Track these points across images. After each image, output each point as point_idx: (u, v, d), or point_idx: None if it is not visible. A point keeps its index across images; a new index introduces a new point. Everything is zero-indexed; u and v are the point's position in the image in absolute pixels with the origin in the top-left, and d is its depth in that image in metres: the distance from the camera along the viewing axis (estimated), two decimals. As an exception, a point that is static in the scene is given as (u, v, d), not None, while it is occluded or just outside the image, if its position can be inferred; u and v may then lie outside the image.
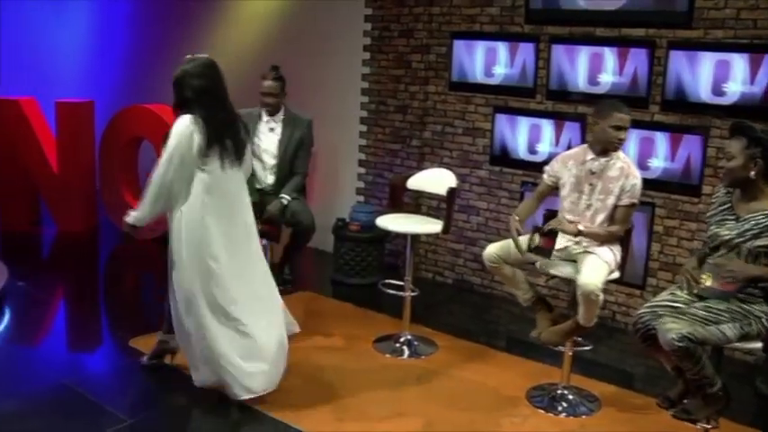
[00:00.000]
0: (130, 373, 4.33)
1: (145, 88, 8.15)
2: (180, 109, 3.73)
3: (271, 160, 4.67)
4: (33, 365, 4.48)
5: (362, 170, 6.54)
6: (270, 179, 4.67)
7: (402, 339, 4.77)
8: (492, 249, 4.07)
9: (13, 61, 8.82)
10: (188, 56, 3.86)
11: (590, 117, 3.98)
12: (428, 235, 5.82)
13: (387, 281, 5.02)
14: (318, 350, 4.68)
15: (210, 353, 3.78)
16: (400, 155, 6.26)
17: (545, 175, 4.17)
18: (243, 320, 3.81)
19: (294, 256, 4.91)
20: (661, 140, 4.91)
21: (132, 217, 3.79)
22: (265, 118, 4.70)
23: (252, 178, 4.67)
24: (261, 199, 4.68)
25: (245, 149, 3.89)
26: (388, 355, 4.66)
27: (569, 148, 4.87)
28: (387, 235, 5.93)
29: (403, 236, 5.43)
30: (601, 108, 3.94)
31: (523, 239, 3.97)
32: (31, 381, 4.22)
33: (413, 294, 4.77)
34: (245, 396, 3.84)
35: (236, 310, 3.79)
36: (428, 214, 5.66)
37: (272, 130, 4.68)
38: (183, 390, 4.09)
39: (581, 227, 3.89)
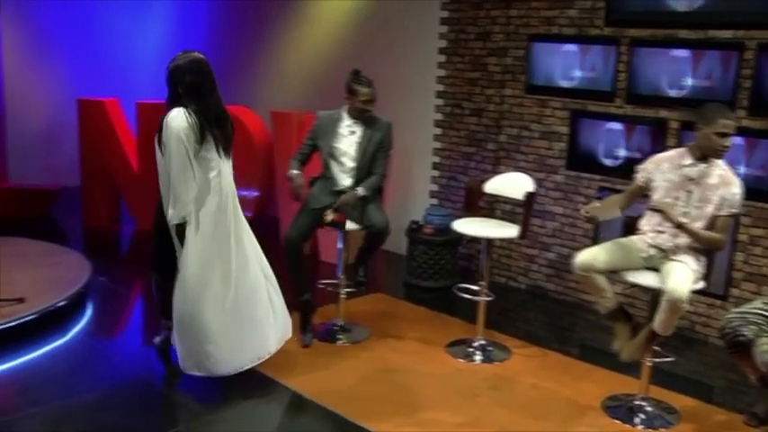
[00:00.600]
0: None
1: (222, 89, 8.30)
2: (172, 103, 3.86)
3: (350, 162, 4.67)
4: (113, 359, 4.60)
5: (436, 173, 6.52)
6: (348, 181, 4.67)
7: (475, 344, 4.73)
8: (586, 257, 3.93)
9: (99, 64, 9.10)
10: (180, 52, 3.97)
11: (697, 122, 3.85)
12: (503, 239, 5.76)
13: (461, 285, 4.98)
14: (392, 353, 4.68)
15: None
16: (475, 158, 6.22)
17: (638, 175, 4.07)
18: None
19: (368, 258, 4.91)
20: (748, 146, 4.75)
21: (173, 216, 3.83)
22: (347, 121, 4.70)
23: (329, 181, 4.71)
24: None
25: (231, 142, 4.01)
26: (461, 360, 4.63)
27: (646, 153, 4.77)
28: (460, 238, 5.91)
29: (478, 240, 5.40)
30: (705, 113, 3.78)
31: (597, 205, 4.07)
32: (111, 374, 4.33)
33: (488, 299, 4.73)
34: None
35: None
36: (502, 218, 5.60)
37: (352, 132, 4.68)
38: (258, 387, 4.15)
39: (684, 220, 3.79)
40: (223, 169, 3.94)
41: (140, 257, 6.95)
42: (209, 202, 3.89)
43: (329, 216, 4.62)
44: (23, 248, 6.15)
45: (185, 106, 3.80)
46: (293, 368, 4.38)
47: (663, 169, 3.94)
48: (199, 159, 3.82)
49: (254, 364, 4.13)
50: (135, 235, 7.48)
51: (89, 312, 5.23)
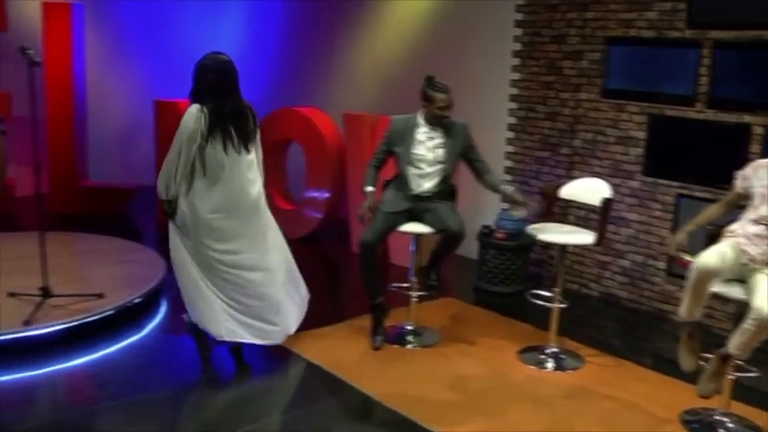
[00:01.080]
0: (286, 371, 4.43)
1: (295, 91, 8.40)
2: (193, 98, 4.19)
3: (427, 168, 4.63)
4: (186, 356, 4.60)
5: (509, 177, 6.44)
6: (426, 186, 4.62)
7: (548, 351, 4.65)
8: (714, 261, 3.64)
9: (174, 66, 9.28)
10: (209, 53, 4.22)
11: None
12: (576, 246, 5.65)
13: (534, 291, 4.90)
14: (463, 358, 4.64)
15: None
16: (548, 163, 6.13)
17: (737, 181, 3.93)
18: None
19: (441, 262, 4.87)
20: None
21: (159, 191, 4.24)
22: (423, 127, 4.67)
23: (405, 185, 4.67)
24: (415, 205, 4.65)
25: (250, 137, 4.26)
26: (532, 367, 4.56)
27: (727, 160, 4.63)
28: (532, 243, 5.83)
29: (549, 245, 5.32)
30: None
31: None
32: (184, 371, 4.39)
33: (561, 306, 4.65)
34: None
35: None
36: (576, 224, 5.50)
37: (430, 138, 4.65)
38: (329, 388, 4.17)
39: None
40: (233, 164, 4.16)
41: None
42: (217, 194, 4.15)
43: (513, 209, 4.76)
44: (102, 245, 6.33)
45: (203, 103, 4.11)
46: (364, 371, 4.39)
47: (760, 175, 3.78)
48: (206, 154, 4.09)
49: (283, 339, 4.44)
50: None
51: (163, 309, 5.33)
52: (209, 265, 4.20)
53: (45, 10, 7.89)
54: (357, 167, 6.68)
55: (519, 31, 6.26)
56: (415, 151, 4.65)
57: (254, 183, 4.29)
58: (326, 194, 6.99)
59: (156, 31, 9.28)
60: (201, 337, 4.34)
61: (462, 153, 4.70)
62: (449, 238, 4.60)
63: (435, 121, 4.63)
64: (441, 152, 4.63)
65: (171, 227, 4.28)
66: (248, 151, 4.22)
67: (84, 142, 8.24)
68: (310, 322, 4.67)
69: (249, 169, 4.25)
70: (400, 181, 4.73)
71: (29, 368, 4.32)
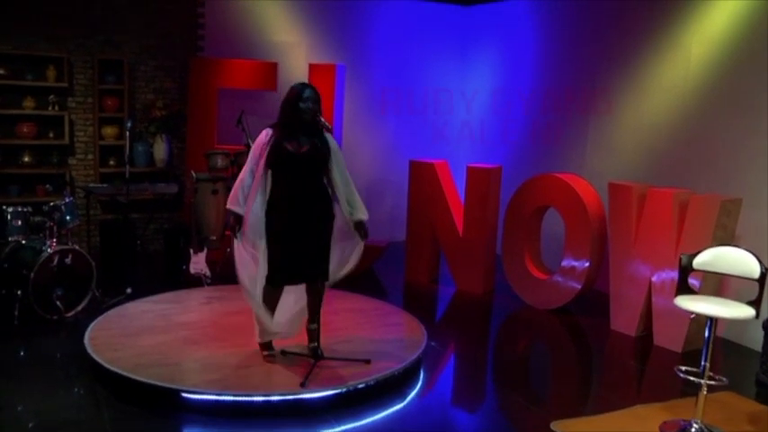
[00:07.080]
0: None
1: (553, 156, 8.21)
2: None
3: None
4: (449, 428, 4.52)
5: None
6: None
7: None
8: None
9: (423, 126, 9.46)
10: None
11: None
12: None
13: None
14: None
15: None
16: None
17: None
18: None
19: None
20: None
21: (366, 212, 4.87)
22: None
23: None
24: None
25: None
26: None
27: None
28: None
29: None
30: None
31: None
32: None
33: None
34: None
35: None
36: None
37: None
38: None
39: None
40: None
41: (459, 320, 6.95)
42: None
43: None
44: (361, 305, 6.44)
45: None
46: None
47: None
48: None
49: None
50: (454, 297, 7.50)
51: (422, 377, 5.24)
52: None
53: (311, 70, 8.30)
54: (621, 239, 6.33)
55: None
56: None
57: None
58: (586, 264, 6.67)
59: (409, 92, 9.50)
60: None
61: None
62: None
63: None
64: None
65: None
66: None
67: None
68: (574, 408, 4.36)
69: None
70: None
71: (302, 430, 4.36)
